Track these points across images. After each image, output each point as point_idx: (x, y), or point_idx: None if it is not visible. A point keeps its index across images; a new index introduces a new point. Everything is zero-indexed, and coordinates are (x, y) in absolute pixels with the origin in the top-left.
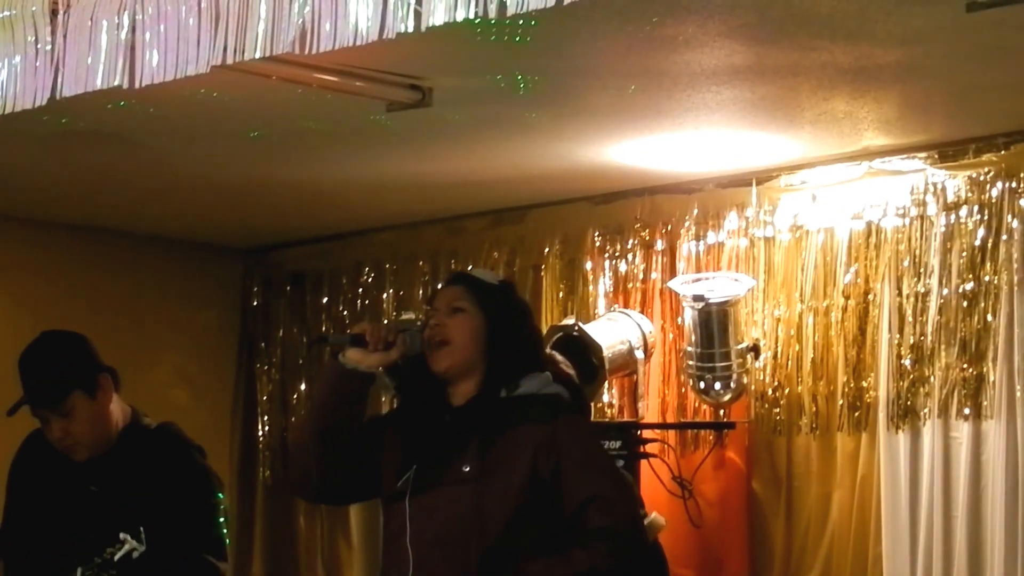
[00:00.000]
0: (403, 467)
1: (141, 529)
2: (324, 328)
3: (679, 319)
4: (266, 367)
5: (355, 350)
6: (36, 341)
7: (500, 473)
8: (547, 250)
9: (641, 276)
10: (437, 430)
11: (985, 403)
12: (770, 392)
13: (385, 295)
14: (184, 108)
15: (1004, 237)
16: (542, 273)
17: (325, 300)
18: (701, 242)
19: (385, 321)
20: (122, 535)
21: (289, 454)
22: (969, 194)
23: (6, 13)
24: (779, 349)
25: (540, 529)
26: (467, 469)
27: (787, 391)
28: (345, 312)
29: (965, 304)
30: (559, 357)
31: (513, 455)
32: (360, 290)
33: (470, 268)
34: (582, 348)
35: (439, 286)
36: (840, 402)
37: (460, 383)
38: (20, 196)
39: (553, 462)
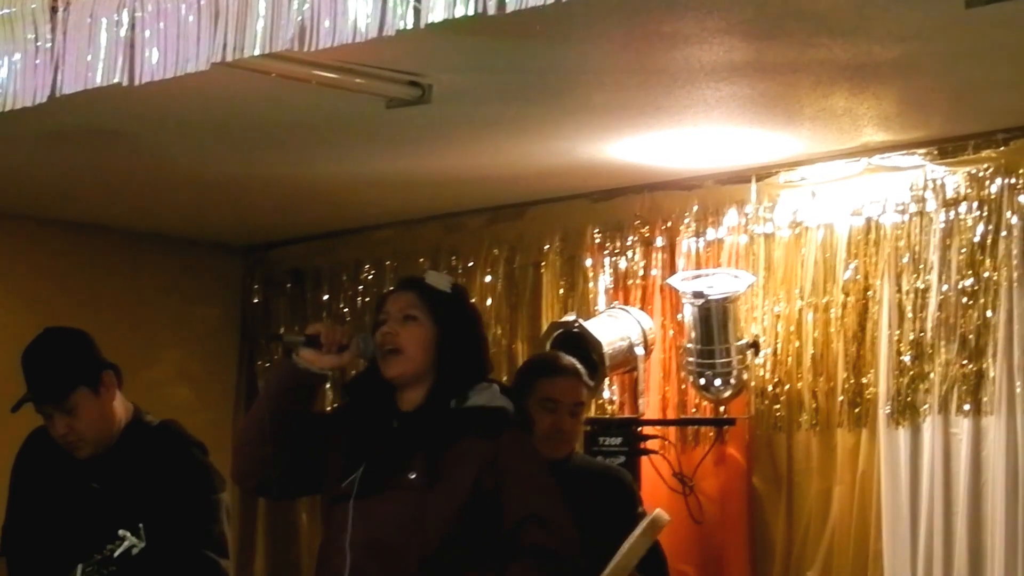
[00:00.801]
0: (348, 468)
1: (141, 526)
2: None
3: (679, 315)
4: (267, 364)
5: (309, 350)
6: (40, 337)
7: (444, 484)
8: (547, 247)
9: (641, 273)
10: (385, 435)
11: (985, 399)
12: (770, 388)
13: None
14: (183, 104)
15: (1003, 233)
16: (542, 270)
17: (326, 297)
18: (701, 239)
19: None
20: (121, 532)
21: (234, 447)
22: (968, 190)
23: (6, 11)
24: (779, 345)
25: (479, 543)
26: (412, 477)
27: (787, 387)
28: (346, 309)
29: (965, 300)
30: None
31: (458, 467)
32: (360, 287)
33: (426, 271)
34: (582, 344)
35: (391, 289)
36: (840, 398)
37: (409, 390)
38: (18, 194)
39: (496, 477)
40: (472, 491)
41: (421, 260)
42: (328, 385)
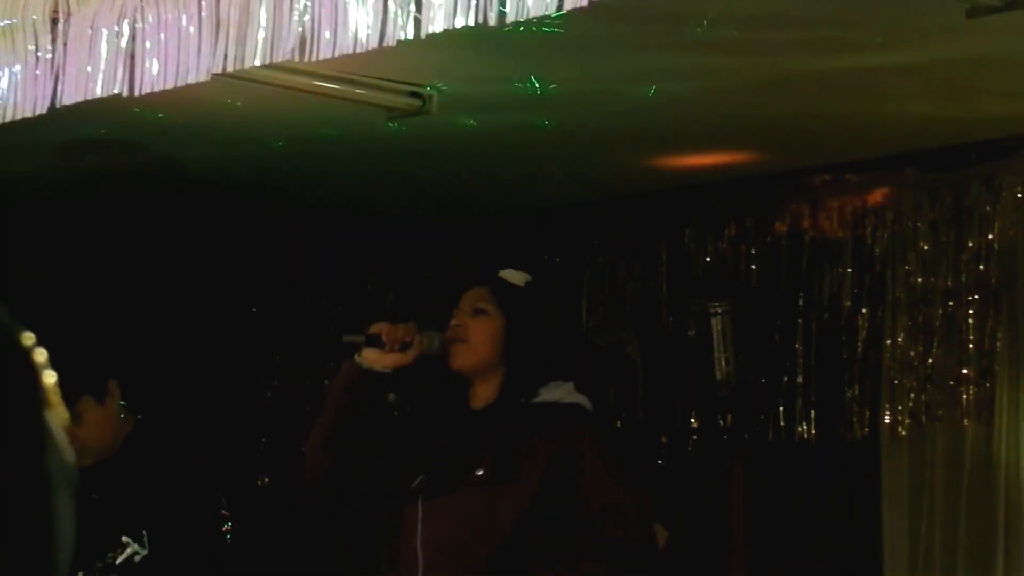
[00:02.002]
0: (416, 468)
1: (144, 532)
2: None
3: None
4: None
5: (371, 350)
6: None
7: (513, 480)
8: None
9: None
10: (454, 433)
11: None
12: None
13: None
14: (186, 114)
15: (1005, 243)
16: None
17: None
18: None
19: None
20: (124, 539)
21: (306, 454)
22: (969, 199)
23: (6, 21)
24: None
25: (550, 538)
26: (480, 474)
27: None
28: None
29: (969, 310)
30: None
31: (528, 463)
32: None
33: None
34: None
35: (465, 284)
36: None
37: (479, 385)
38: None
39: (568, 473)
40: (542, 487)
41: None
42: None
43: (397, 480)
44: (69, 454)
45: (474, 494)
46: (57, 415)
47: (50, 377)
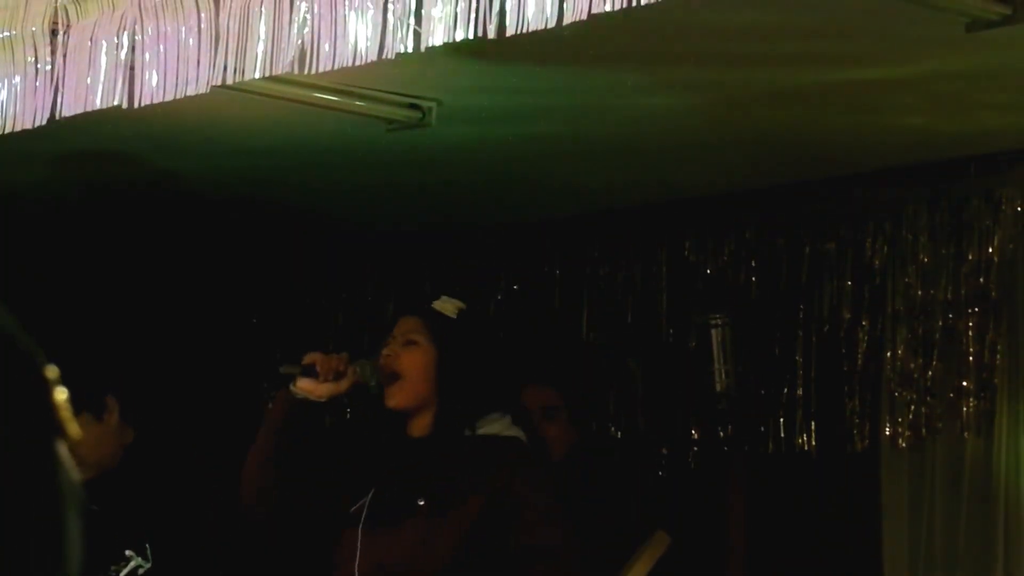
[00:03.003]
0: (356, 493)
1: (147, 546)
2: None
3: None
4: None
5: (306, 380)
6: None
7: (454, 511)
8: None
9: None
10: (393, 461)
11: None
12: None
13: None
14: (184, 126)
15: (1005, 256)
16: None
17: None
18: None
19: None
20: (128, 552)
21: (240, 486)
22: (969, 212)
23: (6, 33)
24: None
25: (486, 570)
26: (422, 504)
27: None
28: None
29: (969, 322)
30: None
31: (467, 496)
32: None
33: (441, 297)
34: None
35: (398, 313)
36: None
37: (417, 416)
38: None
39: (505, 509)
40: (480, 520)
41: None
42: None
43: (335, 505)
44: (75, 470)
45: (416, 523)
46: (70, 430)
47: (62, 393)
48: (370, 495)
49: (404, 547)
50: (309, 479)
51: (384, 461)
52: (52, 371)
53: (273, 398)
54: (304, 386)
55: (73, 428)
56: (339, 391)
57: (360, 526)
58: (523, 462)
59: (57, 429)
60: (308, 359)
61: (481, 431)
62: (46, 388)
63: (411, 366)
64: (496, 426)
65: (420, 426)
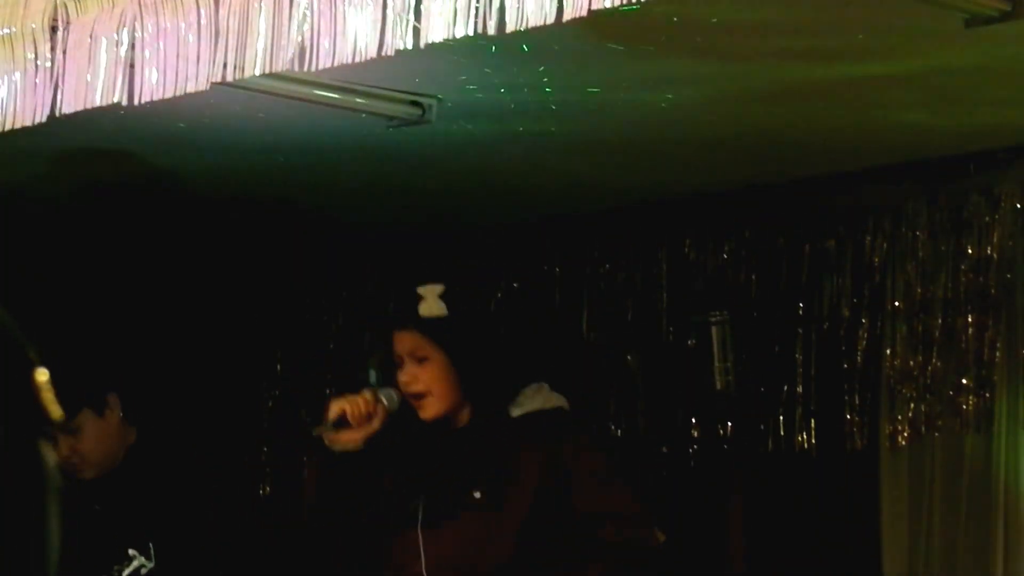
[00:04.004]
0: (410, 494)
1: (151, 545)
2: None
3: None
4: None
5: (341, 432)
6: (44, 355)
7: (510, 496)
8: None
9: None
10: (441, 456)
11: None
12: None
13: None
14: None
15: (1004, 253)
16: None
17: None
18: None
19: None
20: (131, 551)
21: (307, 531)
22: (968, 209)
23: (5, 30)
24: None
25: (553, 546)
26: (477, 495)
27: None
28: None
29: (968, 320)
30: None
31: (521, 478)
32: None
33: (419, 290)
34: None
35: (390, 327)
36: None
37: (456, 413)
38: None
39: (561, 483)
40: (538, 499)
41: None
42: None
43: (391, 509)
44: (52, 456)
45: (474, 516)
46: (52, 412)
47: (43, 375)
48: (423, 494)
49: (468, 540)
50: (364, 497)
51: (432, 457)
52: (32, 352)
53: (313, 461)
54: (342, 439)
55: (55, 410)
56: (375, 430)
57: (419, 526)
58: (568, 430)
59: (39, 416)
60: (335, 411)
61: (523, 410)
62: (28, 370)
63: (433, 381)
64: (537, 400)
65: (461, 419)
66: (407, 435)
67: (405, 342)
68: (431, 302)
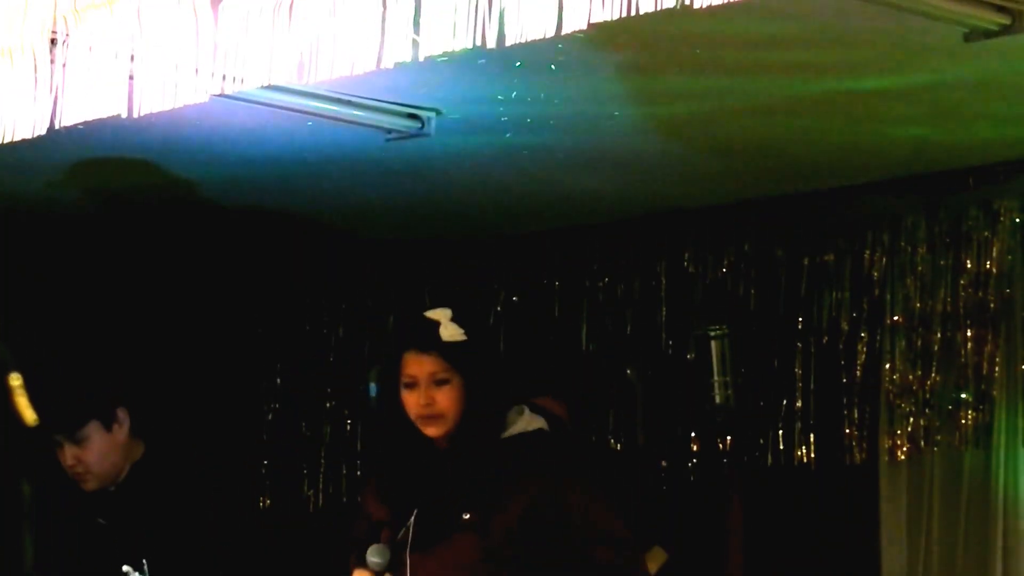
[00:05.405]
0: (396, 515)
1: (144, 561)
2: None
3: None
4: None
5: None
6: (55, 364)
7: (500, 518)
8: None
9: None
10: (429, 476)
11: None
12: None
13: None
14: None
15: (1003, 267)
16: None
17: None
18: None
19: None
20: (125, 568)
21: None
22: (967, 223)
23: (4, 43)
24: None
25: (544, 567)
26: (467, 517)
27: None
28: None
29: (967, 334)
30: None
31: (510, 500)
32: None
33: (428, 315)
34: None
35: (404, 344)
36: None
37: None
38: None
39: (551, 504)
40: (528, 521)
41: None
42: None
43: (383, 533)
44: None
45: (464, 537)
46: (25, 417)
47: (16, 379)
48: (413, 517)
49: (458, 563)
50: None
51: (417, 478)
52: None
53: None
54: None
55: (28, 415)
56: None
57: (408, 549)
58: (554, 452)
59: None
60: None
61: (509, 432)
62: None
63: (450, 404)
64: (519, 424)
65: (455, 440)
66: (403, 456)
67: (425, 365)
68: (448, 326)
